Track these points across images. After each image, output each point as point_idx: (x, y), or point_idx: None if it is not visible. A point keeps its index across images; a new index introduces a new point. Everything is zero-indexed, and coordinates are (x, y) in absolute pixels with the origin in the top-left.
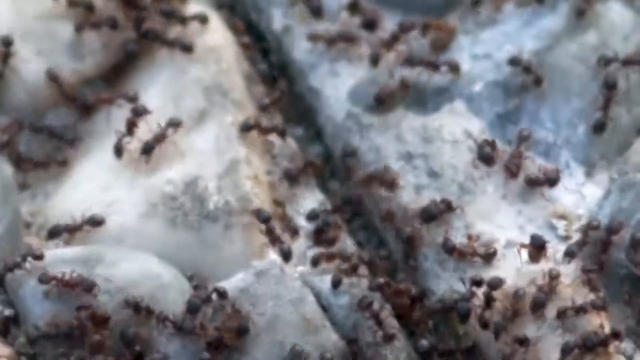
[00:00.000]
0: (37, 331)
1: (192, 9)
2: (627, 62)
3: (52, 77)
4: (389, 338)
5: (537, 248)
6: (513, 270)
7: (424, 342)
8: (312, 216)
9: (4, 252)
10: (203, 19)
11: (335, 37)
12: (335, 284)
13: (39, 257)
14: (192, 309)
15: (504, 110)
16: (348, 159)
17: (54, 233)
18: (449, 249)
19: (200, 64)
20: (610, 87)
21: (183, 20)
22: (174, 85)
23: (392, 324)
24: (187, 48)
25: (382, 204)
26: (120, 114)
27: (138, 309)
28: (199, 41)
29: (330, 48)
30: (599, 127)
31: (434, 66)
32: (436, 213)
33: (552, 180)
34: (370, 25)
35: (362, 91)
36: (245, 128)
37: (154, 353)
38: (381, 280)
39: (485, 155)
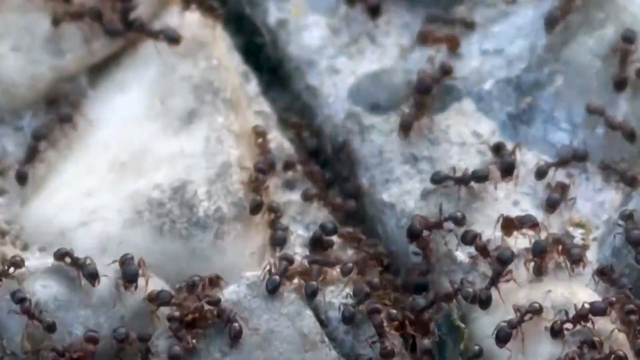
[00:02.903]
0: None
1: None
2: None
3: None
4: (387, 354)
5: (538, 255)
6: (525, 281)
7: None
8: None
9: None
10: (172, 40)
11: None
12: (349, 318)
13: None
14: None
15: (516, 109)
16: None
17: None
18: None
19: (190, 60)
20: (628, 40)
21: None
22: (161, 83)
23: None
24: (174, 39)
25: (387, 212)
26: (106, 111)
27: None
28: (188, 35)
29: None
30: (619, 84)
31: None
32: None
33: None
34: (374, 11)
35: (364, 89)
36: None
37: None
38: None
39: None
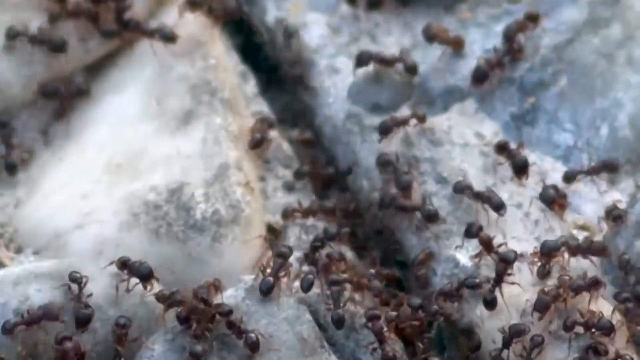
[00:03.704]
0: None
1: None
2: None
3: None
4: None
5: (546, 254)
6: (528, 285)
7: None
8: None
9: None
10: (168, 38)
11: None
12: (337, 320)
13: None
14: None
15: (519, 110)
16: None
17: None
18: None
19: (187, 60)
20: None
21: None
22: (157, 83)
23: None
24: (169, 38)
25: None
26: (101, 112)
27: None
28: (184, 35)
29: None
30: None
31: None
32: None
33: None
34: (374, 4)
35: (364, 89)
36: None
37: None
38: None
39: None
